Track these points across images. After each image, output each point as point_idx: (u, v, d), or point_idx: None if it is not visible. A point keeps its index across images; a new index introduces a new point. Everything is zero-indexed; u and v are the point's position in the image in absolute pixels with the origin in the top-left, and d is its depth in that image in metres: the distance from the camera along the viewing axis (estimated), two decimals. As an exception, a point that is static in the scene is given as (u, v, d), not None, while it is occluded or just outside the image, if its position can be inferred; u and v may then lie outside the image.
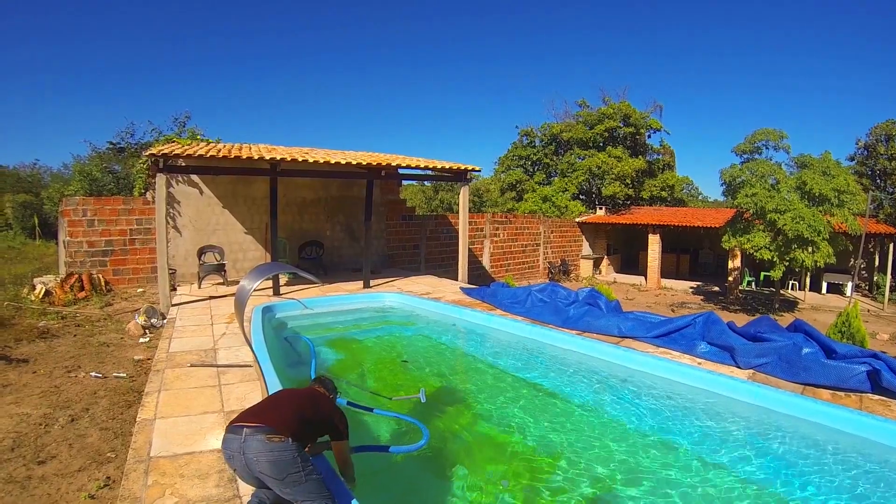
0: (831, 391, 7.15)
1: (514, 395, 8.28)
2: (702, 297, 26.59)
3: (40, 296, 13.43)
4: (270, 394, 4.91)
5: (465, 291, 14.33)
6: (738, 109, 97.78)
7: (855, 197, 21.40)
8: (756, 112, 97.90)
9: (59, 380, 8.24)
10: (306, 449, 4.25)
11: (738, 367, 8.03)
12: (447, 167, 16.10)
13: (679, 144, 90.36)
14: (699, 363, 8.25)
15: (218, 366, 7.95)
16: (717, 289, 28.57)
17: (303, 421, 4.05)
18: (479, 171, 16.79)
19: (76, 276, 14.32)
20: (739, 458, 6.07)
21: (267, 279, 13.32)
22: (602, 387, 8.35)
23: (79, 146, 55.54)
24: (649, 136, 39.50)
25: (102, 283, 14.88)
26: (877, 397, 6.95)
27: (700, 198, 59.69)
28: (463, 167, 16.33)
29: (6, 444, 6.02)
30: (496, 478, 5.73)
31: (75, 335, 10.84)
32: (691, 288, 28.97)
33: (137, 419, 5.97)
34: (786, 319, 20.84)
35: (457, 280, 17.03)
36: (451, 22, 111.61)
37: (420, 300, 13.65)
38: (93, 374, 8.58)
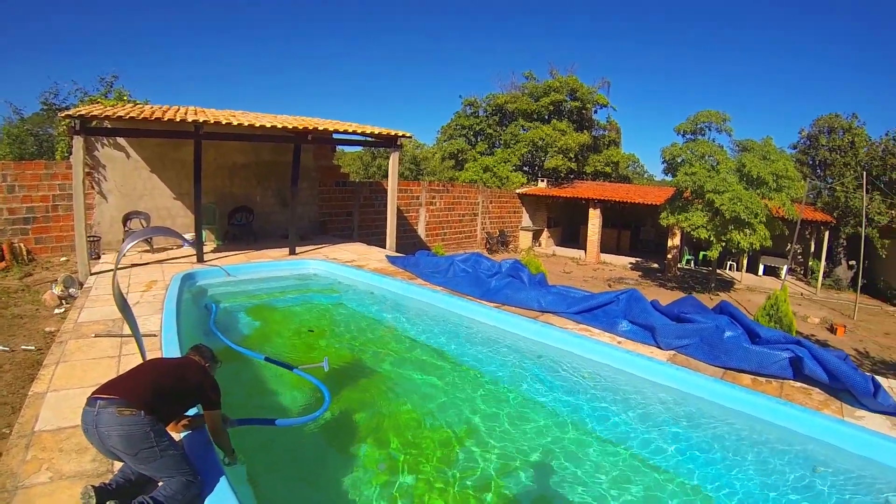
0: (752, 376, 7.08)
1: (422, 366, 8.20)
2: (640, 274, 26.80)
3: None
4: (138, 364, 4.64)
5: (391, 260, 14.22)
6: (687, 91, 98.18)
7: (793, 182, 21.68)
8: (705, 95, 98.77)
9: None
10: (182, 423, 4.46)
11: (659, 348, 7.92)
12: (377, 132, 15.79)
13: (626, 122, 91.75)
14: (619, 342, 8.13)
15: (122, 336, 7.65)
16: (656, 266, 28.72)
17: (160, 393, 3.93)
18: (409, 136, 16.56)
19: None
20: (647, 441, 5.98)
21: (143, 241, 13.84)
22: (515, 362, 8.24)
23: (2, 107, 53.73)
24: (595, 112, 39.36)
25: (24, 253, 14.32)
26: (798, 385, 6.90)
27: (646, 176, 59.74)
28: (393, 133, 16.07)
29: None
30: (394, 453, 5.70)
31: None
32: (630, 264, 29.08)
33: (29, 393, 5.82)
34: (720, 299, 21.01)
35: (385, 248, 16.79)
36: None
37: (343, 268, 13.52)
38: (0, 347, 8.37)
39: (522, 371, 7.83)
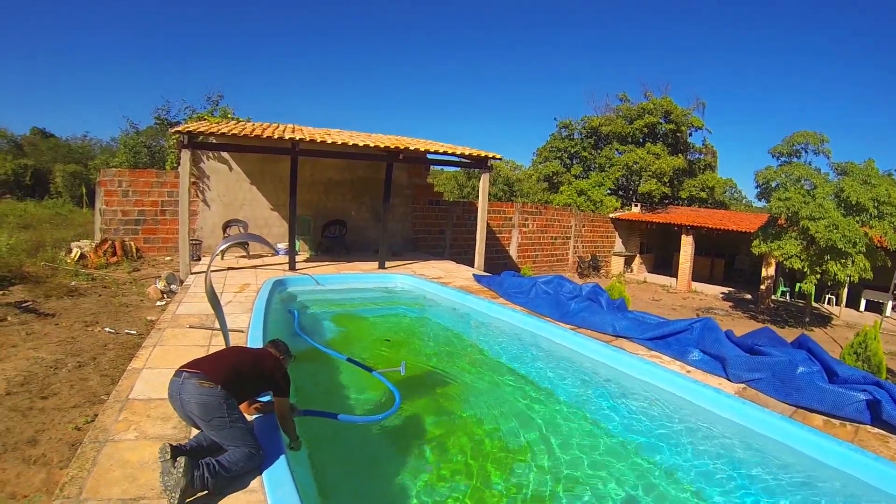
0: (825, 417, 6.54)
1: (492, 381, 8.51)
2: (731, 304, 25.80)
3: (75, 258, 14.36)
4: (222, 349, 5.58)
5: (477, 278, 14.45)
6: (787, 112, 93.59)
7: (900, 209, 20.02)
8: (804, 116, 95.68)
9: (77, 332, 9.06)
10: (254, 406, 5.24)
11: (729, 380, 7.62)
12: (468, 153, 16.16)
13: (724, 145, 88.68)
14: (688, 371, 7.95)
15: (213, 329, 8.42)
16: (748, 296, 27.49)
17: (237, 374, 4.54)
18: (499, 158, 16.79)
19: (109, 242, 15.29)
20: (705, 475, 5.87)
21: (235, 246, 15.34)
22: (583, 384, 8.32)
23: (124, 122, 59.47)
24: (691, 135, 38.45)
25: (133, 250, 15.80)
26: (876, 430, 6.25)
27: (744, 202, 56.99)
28: (483, 154, 16.34)
29: (18, 380, 6.94)
30: (452, 459, 6.00)
31: (100, 295, 11.66)
32: (722, 293, 28.07)
33: (128, 368, 6.66)
34: (816, 335, 19.98)
35: (473, 267, 17.07)
36: (492, 9, 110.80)
37: (429, 283, 13.88)
38: (107, 329, 9.37)
39: (589, 393, 7.93)
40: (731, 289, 29.13)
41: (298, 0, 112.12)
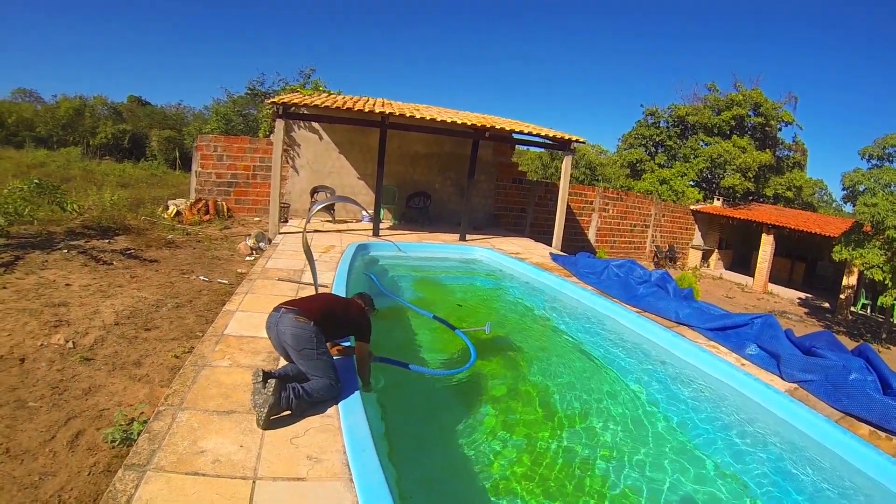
0: (872, 428, 6.44)
1: (557, 352, 9.07)
2: (806, 311, 25.07)
3: (172, 215, 15.45)
4: (315, 294, 6.47)
5: (553, 257, 14.83)
6: (882, 113, 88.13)
7: None
8: None
9: (175, 278, 9.95)
10: (336, 348, 5.96)
11: (782, 378, 7.63)
12: (552, 135, 16.53)
13: (815, 143, 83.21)
14: (743, 364, 8.03)
15: (300, 283, 9.34)
16: (826, 305, 26.56)
17: (328, 315, 5.30)
18: (582, 141, 17.02)
19: (203, 201, 16.37)
20: (741, 462, 6.04)
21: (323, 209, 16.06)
22: (640, 364, 8.60)
23: (218, 91, 62.46)
24: (780, 130, 37.12)
25: (225, 210, 16.84)
26: None
27: (834, 206, 54.15)
28: (567, 137, 16.60)
29: (125, 313, 7.81)
30: (510, 421, 6.45)
31: (194, 248, 12.58)
32: (799, 299, 27.38)
33: (222, 310, 7.63)
34: (892, 354, 19.53)
35: (551, 246, 17.42)
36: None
37: (506, 258, 14.35)
38: (201, 277, 10.27)
39: (646, 374, 8.21)
40: (809, 295, 28.27)
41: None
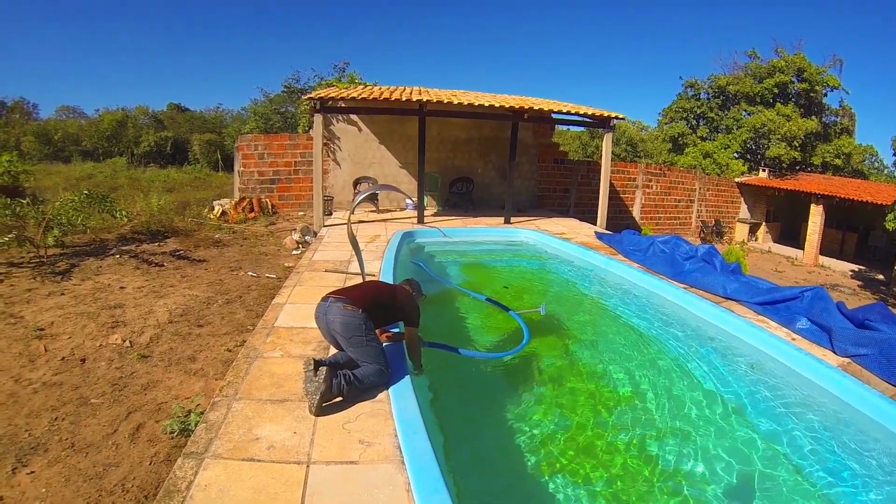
0: None
1: (607, 330, 9.10)
2: (860, 283, 24.16)
3: (218, 215, 15.83)
4: (362, 282, 6.51)
5: (598, 236, 14.82)
6: None
7: None
8: None
9: (224, 275, 10.24)
10: (386, 335, 6.07)
11: (834, 353, 7.38)
12: (591, 113, 16.47)
13: (864, 108, 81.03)
14: (793, 339, 7.82)
15: (347, 273, 9.57)
16: (881, 277, 25.61)
17: (376, 302, 5.39)
18: (622, 118, 16.91)
19: (247, 200, 16.74)
20: (791, 438, 5.92)
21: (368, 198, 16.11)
22: (689, 340, 8.54)
23: (255, 92, 64.01)
24: (826, 95, 36.02)
25: (269, 207, 17.12)
26: None
27: (886, 172, 50.71)
28: (606, 114, 16.52)
29: (178, 312, 8.11)
30: (563, 399, 6.54)
31: (241, 245, 12.86)
32: (852, 271, 26.42)
33: (272, 303, 7.90)
34: None
35: (596, 225, 17.38)
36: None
37: (551, 238, 14.42)
38: (250, 273, 10.53)
39: (693, 349, 8.17)
40: (862, 267, 27.23)
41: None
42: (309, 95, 14.81)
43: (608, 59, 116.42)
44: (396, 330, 6.33)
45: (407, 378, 5.36)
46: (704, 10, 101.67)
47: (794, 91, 35.23)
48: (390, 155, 18.40)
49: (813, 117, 34.71)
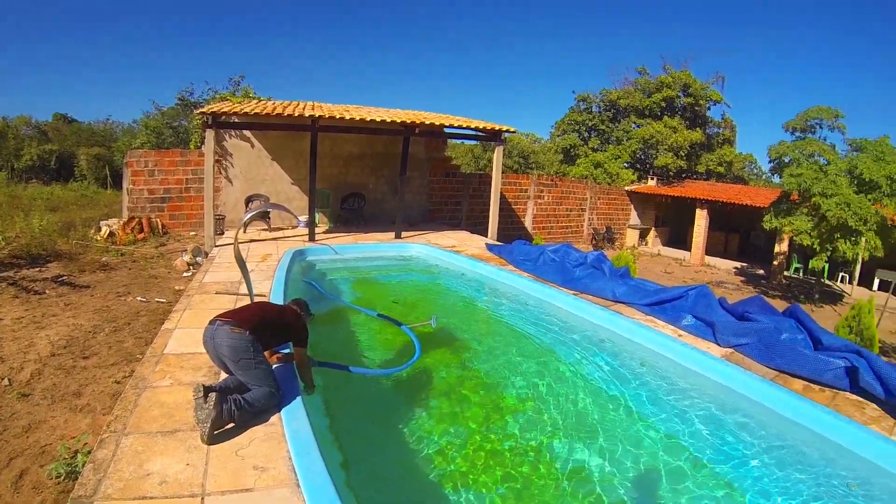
0: (806, 382, 6.89)
1: (498, 340, 9.27)
2: (743, 279, 26.08)
3: (105, 236, 15.19)
4: (249, 303, 6.46)
5: (489, 247, 15.01)
6: (804, 88, 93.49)
7: (911, 187, 19.72)
8: (821, 91, 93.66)
9: (111, 302, 9.81)
10: (276, 356, 5.98)
11: (718, 345, 8.04)
12: (482, 127, 16.72)
13: (744, 120, 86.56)
14: (680, 335, 8.41)
15: (237, 294, 9.23)
16: (762, 272, 27.72)
17: (263, 323, 5.29)
18: (513, 131, 17.19)
19: (137, 219, 16.10)
20: (684, 427, 6.33)
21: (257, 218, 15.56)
22: (580, 344, 8.83)
23: (147, 104, 61.84)
24: (709, 109, 38.37)
25: (160, 227, 16.57)
26: (853, 397, 6.56)
27: (764, 178, 54.77)
28: (497, 127, 16.76)
29: (62, 343, 7.69)
30: (459, 411, 6.54)
31: (130, 269, 12.38)
32: (735, 268, 28.40)
33: (161, 329, 7.45)
34: (825, 312, 20.70)
35: (487, 237, 17.55)
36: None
37: (442, 252, 14.51)
38: (139, 298, 10.14)
39: (586, 353, 8.43)
40: (744, 264, 29.34)
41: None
42: (201, 110, 14.43)
43: (503, 73, 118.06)
44: (286, 351, 6.26)
45: (299, 399, 5.30)
46: (598, 28, 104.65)
47: (680, 105, 37.08)
48: (283, 171, 18.12)
49: (698, 129, 36.77)
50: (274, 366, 5.78)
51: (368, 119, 14.88)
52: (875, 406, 6.36)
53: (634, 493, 5.19)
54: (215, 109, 14.17)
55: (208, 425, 4.46)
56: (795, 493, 5.19)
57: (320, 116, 14.47)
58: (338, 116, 14.64)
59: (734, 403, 6.83)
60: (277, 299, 8.66)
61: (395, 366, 7.51)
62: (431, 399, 6.87)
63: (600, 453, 5.76)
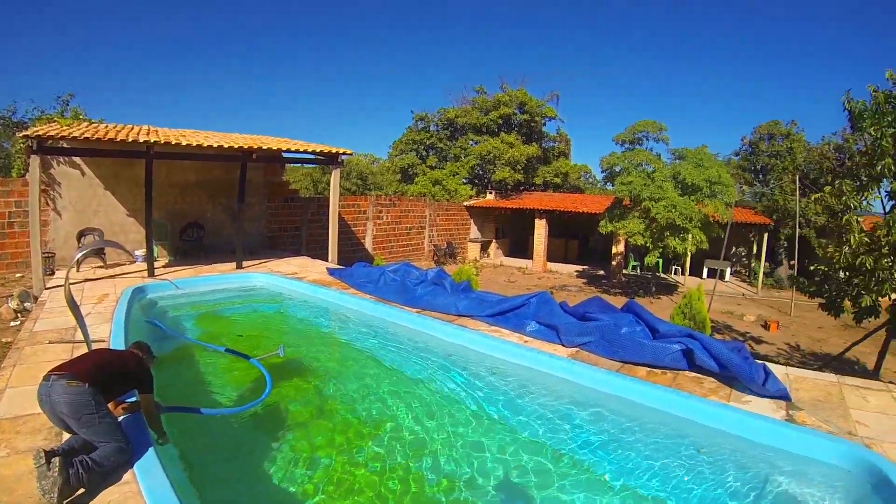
0: (648, 369, 7.72)
1: (348, 365, 9.24)
2: (585, 281, 27.60)
3: None
4: (86, 352, 5.87)
5: (330, 272, 14.90)
6: (633, 103, 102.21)
7: (727, 188, 22.66)
8: (647, 106, 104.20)
9: None
10: (121, 406, 5.45)
11: (563, 346, 8.56)
12: (319, 150, 16.66)
13: (579, 133, 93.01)
14: (526, 341, 8.81)
15: (74, 342, 8.43)
16: (602, 272, 29.78)
17: (103, 372, 4.83)
18: (350, 154, 17.28)
19: None
20: (543, 426, 6.65)
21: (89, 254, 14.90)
22: (428, 360, 8.99)
23: None
24: (545, 124, 40.09)
25: None
26: (693, 375, 7.52)
27: (599, 186, 58.90)
28: (335, 150, 16.75)
29: None
30: (318, 441, 6.41)
31: None
32: (577, 272, 29.95)
33: None
34: (662, 302, 22.69)
35: (328, 261, 17.44)
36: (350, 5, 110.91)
37: (284, 280, 14.24)
38: None
39: (435, 368, 8.59)
40: (585, 266, 31.36)
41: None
42: (25, 133, 13.13)
43: (341, 94, 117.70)
44: (132, 399, 5.71)
45: (151, 451, 4.93)
46: (436, 49, 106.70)
47: (517, 121, 38.53)
48: (117, 202, 17.00)
49: (534, 143, 38.41)
50: (120, 417, 5.31)
51: (206, 145, 14.44)
52: (712, 379, 7.40)
53: (503, 495, 5.41)
54: (41, 133, 13.04)
55: (55, 495, 4.07)
56: (651, 465, 5.78)
57: (156, 142, 13.72)
58: (174, 142, 14.01)
59: (586, 397, 7.32)
60: (118, 344, 8.06)
61: (249, 401, 7.16)
62: (290, 431, 6.74)
63: (468, 463, 5.88)
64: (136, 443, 4.91)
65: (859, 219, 10.70)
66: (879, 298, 10.59)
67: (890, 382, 8.39)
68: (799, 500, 5.22)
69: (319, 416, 7.14)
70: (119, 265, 15.88)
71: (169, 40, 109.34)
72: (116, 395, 5.25)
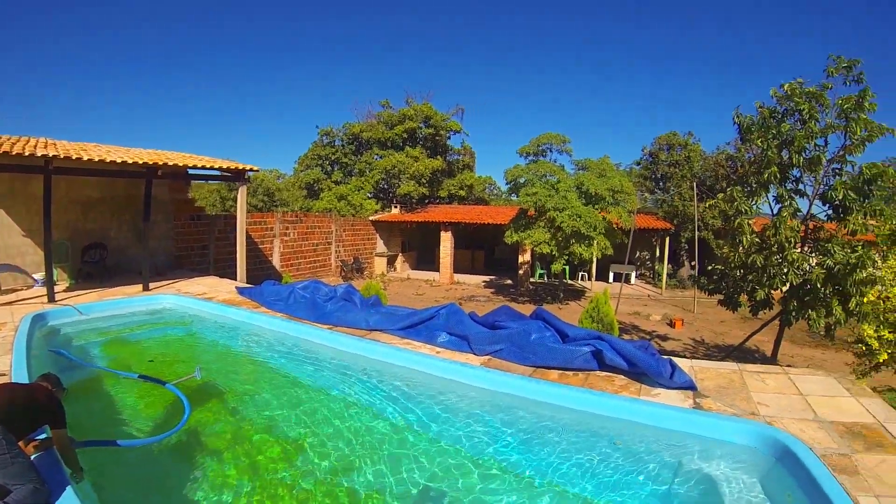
0: (561, 372, 8.00)
1: (262, 385, 9.06)
2: (493, 290, 27.97)
3: None
4: None
5: (239, 290, 14.67)
6: (542, 118, 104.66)
7: (629, 196, 23.81)
8: (550, 119, 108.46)
9: None
10: (32, 444, 5.00)
11: (475, 354, 8.80)
12: (225, 167, 16.35)
13: (483, 146, 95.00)
14: (438, 352, 9.01)
15: None
16: (509, 282, 30.29)
17: (11, 410, 4.51)
18: (256, 170, 17.15)
19: None
20: (468, 435, 6.82)
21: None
22: (342, 376, 9.08)
23: None
24: (449, 138, 40.76)
25: None
26: (604, 374, 7.89)
27: (504, 197, 59.73)
28: (241, 167, 16.61)
29: None
30: (239, 462, 6.36)
31: None
32: (484, 282, 30.36)
33: None
34: (571, 308, 23.35)
35: (237, 280, 17.21)
36: (255, 21, 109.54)
37: (193, 300, 13.94)
38: None
39: (351, 383, 8.66)
40: (492, 277, 31.83)
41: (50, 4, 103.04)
42: None
43: (245, 108, 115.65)
44: (43, 436, 5.29)
45: (69, 490, 4.68)
46: (341, 63, 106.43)
47: (422, 135, 39.00)
48: (12, 221, 15.97)
49: (439, 157, 39.13)
50: (32, 456, 4.99)
51: (108, 160, 13.96)
52: (622, 377, 7.83)
53: (431, 502, 5.59)
54: (-79, 144, 12.10)
55: None
56: (569, 460, 6.11)
57: (55, 156, 13.03)
58: (75, 156, 13.39)
59: (501, 402, 7.59)
60: (21, 377, 7.53)
61: (168, 429, 6.81)
62: (213, 455, 6.60)
63: (393, 473, 5.98)
64: (51, 482, 4.64)
65: (750, 221, 11.45)
66: (772, 291, 11.52)
67: (788, 366, 9.04)
68: (712, 478, 5.62)
69: (239, 438, 7.03)
70: (16, 291, 15.04)
71: (72, 54, 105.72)
72: (27, 432, 4.88)
